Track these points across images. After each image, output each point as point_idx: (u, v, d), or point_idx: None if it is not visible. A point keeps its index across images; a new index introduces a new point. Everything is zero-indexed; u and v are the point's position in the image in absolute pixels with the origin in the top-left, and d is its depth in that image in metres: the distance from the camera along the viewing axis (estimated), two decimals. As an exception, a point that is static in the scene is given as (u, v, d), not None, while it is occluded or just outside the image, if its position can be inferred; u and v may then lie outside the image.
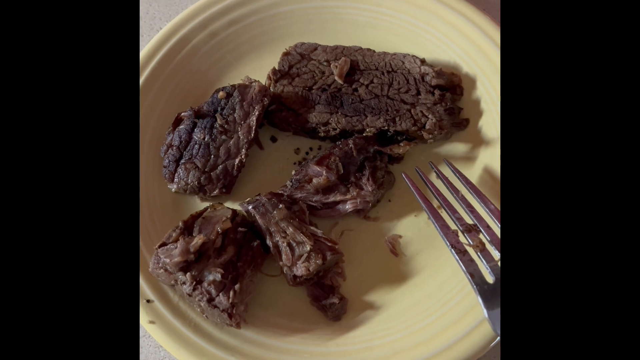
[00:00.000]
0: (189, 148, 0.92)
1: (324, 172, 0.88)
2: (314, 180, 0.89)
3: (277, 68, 0.99)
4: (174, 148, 0.93)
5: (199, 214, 0.87)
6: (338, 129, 0.94)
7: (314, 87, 0.97)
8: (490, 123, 0.96)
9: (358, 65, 0.99)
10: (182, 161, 0.92)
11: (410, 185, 0.88)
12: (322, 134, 0.96)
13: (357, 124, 0.94)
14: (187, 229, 0.84)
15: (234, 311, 0.79)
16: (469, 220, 0.83)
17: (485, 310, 0.72)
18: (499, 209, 0.83)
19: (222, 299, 0.79)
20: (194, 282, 0.79)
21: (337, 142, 0.93)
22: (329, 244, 0.85)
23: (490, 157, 0.94)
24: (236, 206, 0.91)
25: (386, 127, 0.93)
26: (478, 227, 0.81)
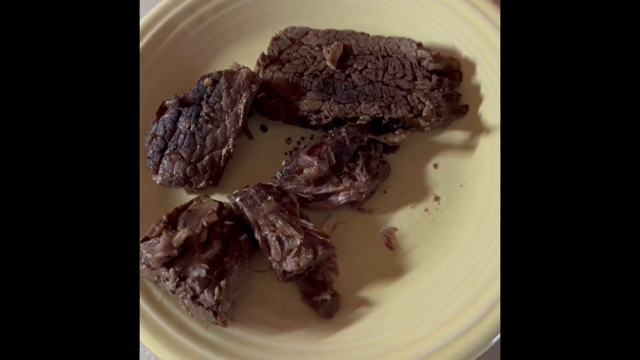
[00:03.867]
0: (173, 138, 0.88)
1: (316, 162, 0.84)
2: (305, 171, 0.85)
3: (266, 53, 0.95)
4: (158, 138, 0.89)
5: (184, 207, 0.83)
6: (330, 117, 0.90)
7: (305, 73, 0.93)
8: (491, 110, 0.92)
9: (351, 50, 0.94)
10: (167, 152, 0.88)
11: None
12: (314, 123, 0.92)
13: (350, 111, 0.89)
14: (171, 223, 0.80)
15: (219, 309, 0.75)
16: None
17: None
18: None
19: (206, 296, 0.75)
20: (178, 279, 0.75)
21: (329, 131, 0.89)
22: (321, 238, 0.81)
23: (491, 146, 0.90)
24: (224, 199, 0.87)
25: (381, 115, 0.89)
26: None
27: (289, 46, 0.95)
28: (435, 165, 0.91)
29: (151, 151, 0.89)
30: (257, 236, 0.81)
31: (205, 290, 0.75)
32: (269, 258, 0.80)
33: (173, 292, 0.76)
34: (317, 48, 0.95)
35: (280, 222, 0.80)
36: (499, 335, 0.76)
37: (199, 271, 0.76)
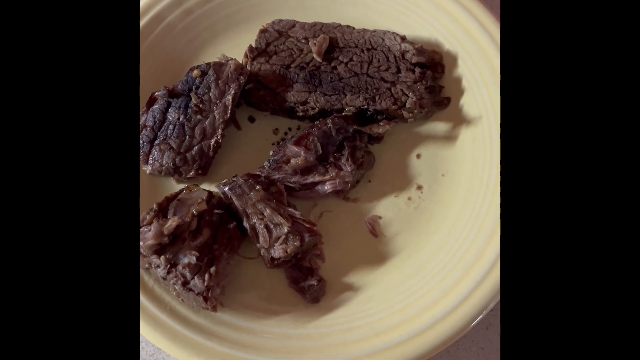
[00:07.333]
0: (163, 128, 0.90)
1: (302, 153, 0.86)
2: (292, 161, 0.87)
3: (254, 46, 0.96)
4: (148, 128, 0.90)
5: (174, 196, 0.85)
6: (317, 108, 0.92)
7: (292, 65, 0.95)
8: (472, 101, 0.94)
9: (337, 43, 0.96)
10: (157, 142, 0.89)
11: None
12: (301, 114, 0.94)
13: (336, 103, 0.91)
14: (162, 212, 0.82)
15: (209, 294, 0.77)
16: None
17: None
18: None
19: (197, 282, 0.77)
20: (168, 265, 0.77)
21: (315, 122, 0.91)
22: (307, 226, 0.83)
23: (472, 136, 0.93)
24: (213, 188, 0.89)
25: (366, 106, 0.91)
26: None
27: (276, 38, 0.97)
28: (418, 156, 0.94)
29: (141, 141, 0.90)
30: (245, 224, 0.83)
31: (195, 277, 0.77)
32: (257, 245, 0.82)
33: (164, 279, 0.78)
34: (303, 40, 0.96)
35: (268, 211, 0.83)
36: (479, 318, 0.79)
37: (189, 258, 0.78)
